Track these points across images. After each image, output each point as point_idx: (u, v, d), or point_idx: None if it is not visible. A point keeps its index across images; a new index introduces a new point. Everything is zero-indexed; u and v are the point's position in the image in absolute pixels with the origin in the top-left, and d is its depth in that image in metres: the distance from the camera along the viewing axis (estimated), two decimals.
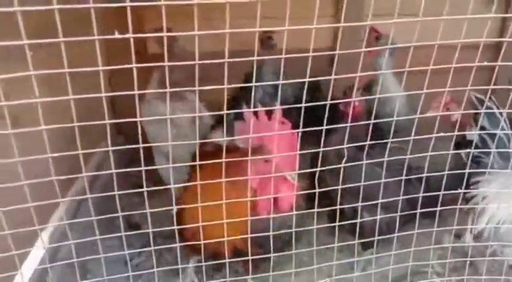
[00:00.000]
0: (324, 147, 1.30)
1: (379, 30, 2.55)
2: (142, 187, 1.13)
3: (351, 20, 1.03)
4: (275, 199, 1.61)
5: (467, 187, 1.99)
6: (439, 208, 1.50)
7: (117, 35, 0.82)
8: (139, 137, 1.02)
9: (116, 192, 1.09)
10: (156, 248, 1.25)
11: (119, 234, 1.18)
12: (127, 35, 0.83)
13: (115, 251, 1.27)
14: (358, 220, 1.54)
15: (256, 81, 2.69)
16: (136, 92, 0.92)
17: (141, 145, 1.04)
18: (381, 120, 1.35)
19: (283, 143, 1.55)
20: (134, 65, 0.88)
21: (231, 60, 0.93)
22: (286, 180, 1.61)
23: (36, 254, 1.64)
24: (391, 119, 1.31)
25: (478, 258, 1.66)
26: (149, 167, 1.13)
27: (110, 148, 1.03)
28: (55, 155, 0.98)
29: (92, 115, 1.00)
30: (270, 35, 2.64)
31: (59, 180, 1.04)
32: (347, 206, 1.63)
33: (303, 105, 1.18)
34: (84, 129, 0.98)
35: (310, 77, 1.15)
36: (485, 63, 1.09)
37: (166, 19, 0.87)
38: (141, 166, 1.11)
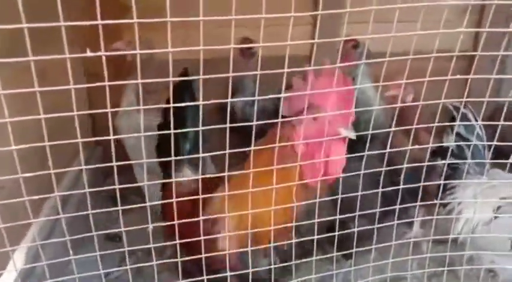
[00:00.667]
0: None
1: (356, 38, 2.58)
2: (120, 199, 1.11)
3: (328, 28, 1.04)
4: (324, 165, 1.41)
5: (443, 193, 2.02)
6: (416, 219, 1.51)
7: (88, 54, 0.80)
8: (113, 152, 1.00)
9: (89, 212, 1.07)
10: (175, 259, 1.23)
11: (94, 254, 1.15)
12: (99, 53, 0.81)
13: (94, 263, 1.24)
14: (336, 232, 1.50)
15: (239, 92, 2.74)
16: (109, 109, 0.91)
17: (114, 163, 1.01)
18: (365, 133, 1.35)
19: (337, 96, 1.35)
20: (107, 82, 0.86)
21: (213, 76, 0.92)
22: (336, 140, 1.38)
23: (9, 276, 1.60)
24: (368, 132, 1.31)
25: (455, 268, 1.67)
26: (123, 186, 1.10)
27: (83, 167, 1.01)
28: (27, 175, 0.96)
29: (68, 126, 0.98)
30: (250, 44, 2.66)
31: (34, 193, 1.02)
32: (331, 218, 1.62)
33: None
34: (60, 141, 0.96)
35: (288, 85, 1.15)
36: (458, 76, 1.10)
37: (144, 28, 0.86)
38: (119, 177, 1.10)
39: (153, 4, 0.87)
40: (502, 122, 1.29)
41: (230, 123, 1.14)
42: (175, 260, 1.21)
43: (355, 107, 1.35)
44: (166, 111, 1.82)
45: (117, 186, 1.07)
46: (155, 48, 2.13)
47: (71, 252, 1.13)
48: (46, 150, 0.97)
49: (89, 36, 0.82)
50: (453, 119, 2.03)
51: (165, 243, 1.21)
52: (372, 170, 1.35)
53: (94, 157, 2.97)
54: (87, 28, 0.82)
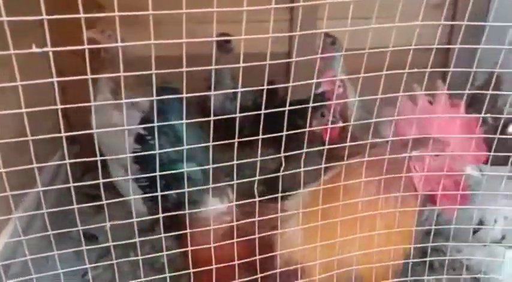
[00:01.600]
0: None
1: (333, 34, 2.60)
2: (96, 197, 1.10)
3: (305, 23, 1.04)
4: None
5: None
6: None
7: (34, 49, 0.78)
8: (65, 150, 0.98)
9: (44, 211, 1.04)
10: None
11: (50, 254, 1.12)
12: (45, 49, 0.79)
13: (70, 263, 1.23)
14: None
15: (216, 89, 2.73)
16: (57, 107, 0.88)
17: (67, 161, 0.99)
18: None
19: (459, 129, 1.20)
20: (55, 78, 0.84)
21: (191, 68, 0.91)
22: (456, 178, 1.24)
23: None
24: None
25: (420, 260, 1.69)
26: (77, 183, 1.07)
27: (35, 165, 0.99)
28: None
29: (39, 124, 0.96)
30: (228, 39, 2.65)
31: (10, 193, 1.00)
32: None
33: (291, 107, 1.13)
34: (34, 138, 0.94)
35: (266, 81, 1.14)
36: (415, 70, 1.10)
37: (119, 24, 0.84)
38: (96, 175, 1.08)
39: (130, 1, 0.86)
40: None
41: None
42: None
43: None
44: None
45: (71, 185, 1.03)
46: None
47: (26, 252, 1.10)
48: (20, 150, 0.95)
49: (58, 32, 0.81)
50: None
51: (134, 240, 1.18)
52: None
53: (70, 155, 2.93)
54: (56, 24, 0.80)
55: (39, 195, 1.06)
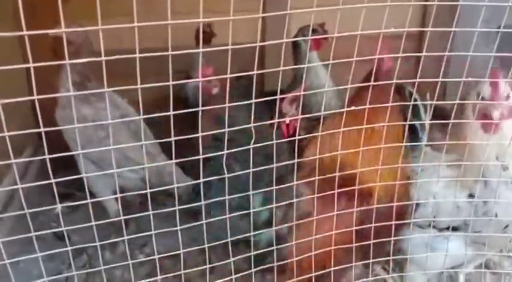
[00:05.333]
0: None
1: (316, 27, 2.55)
2: (68, 196, 1.07)
3: (278, 14, 1.03)
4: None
5: None
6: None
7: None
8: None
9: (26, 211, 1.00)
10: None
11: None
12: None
13: (44, 263, 1.19)
14: None
15: (193, 78, 2.71)
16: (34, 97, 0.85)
17: (47, 156, 0.95)
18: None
19: None
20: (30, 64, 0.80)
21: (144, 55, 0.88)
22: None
23: None
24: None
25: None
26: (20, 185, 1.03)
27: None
28: None
29: (7, 121, 0.92)
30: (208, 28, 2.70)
31: None
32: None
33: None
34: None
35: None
36: (392, 30, 1.09)
37: (83, 17, 0.82)
38: (67, 173, 1.04)
39: None
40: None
41: (184, 108, 1.08)
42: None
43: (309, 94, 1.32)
44: None
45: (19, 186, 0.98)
46: (89, 36, 2.04)
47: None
48: None
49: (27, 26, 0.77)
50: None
51: (115, 240, 1.15)
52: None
53: (40, 153, 2.85)
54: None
55: (7, 195, 1.02)
